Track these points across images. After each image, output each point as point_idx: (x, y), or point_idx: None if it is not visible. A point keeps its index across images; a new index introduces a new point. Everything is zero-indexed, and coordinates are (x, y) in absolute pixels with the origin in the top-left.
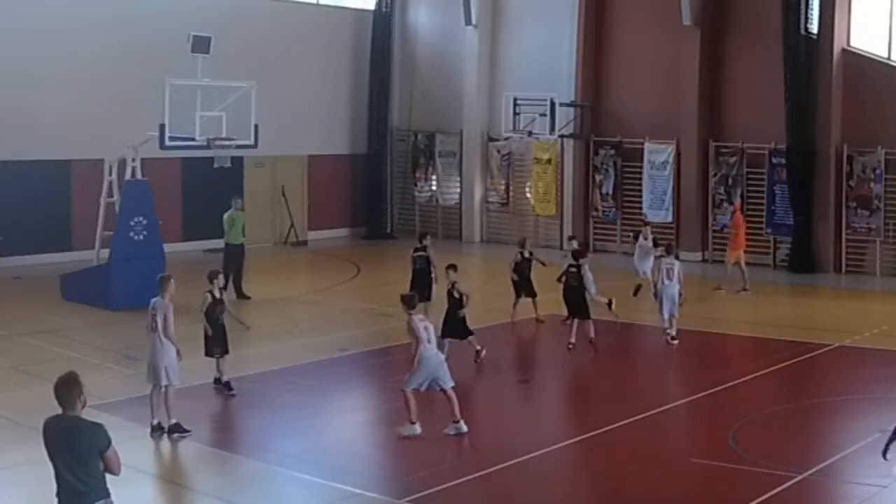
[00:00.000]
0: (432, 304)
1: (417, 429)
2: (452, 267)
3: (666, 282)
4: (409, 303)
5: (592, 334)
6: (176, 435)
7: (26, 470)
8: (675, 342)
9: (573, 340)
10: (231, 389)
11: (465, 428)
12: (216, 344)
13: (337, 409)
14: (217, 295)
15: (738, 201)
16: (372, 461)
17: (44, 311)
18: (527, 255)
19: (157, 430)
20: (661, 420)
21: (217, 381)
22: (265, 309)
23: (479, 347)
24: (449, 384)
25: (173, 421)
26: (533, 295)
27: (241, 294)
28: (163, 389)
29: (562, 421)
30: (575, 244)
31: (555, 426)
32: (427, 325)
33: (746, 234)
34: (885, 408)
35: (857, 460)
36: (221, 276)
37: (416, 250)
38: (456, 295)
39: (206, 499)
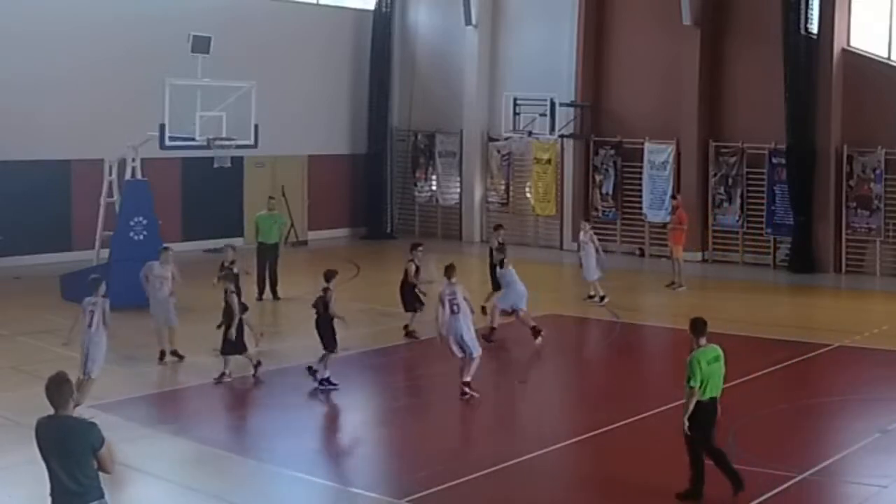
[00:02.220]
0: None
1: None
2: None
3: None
4: (91, 286)
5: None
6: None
7: (26, 470)
8: (606, 301)
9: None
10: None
11: None
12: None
13: (337, 409)
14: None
15: (679, 197)
16: (372, 461)
17: (44, 311)
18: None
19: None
20: (661, 420)
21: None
22: (265, 309)
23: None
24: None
25: None
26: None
27: (274, 293)
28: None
29: (561, 421)
30: (501, 234)
31: (554, 426)
32: (93, 309)
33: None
34: (885, 408)
35: (857, 460)
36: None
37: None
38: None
39: (206, 499)
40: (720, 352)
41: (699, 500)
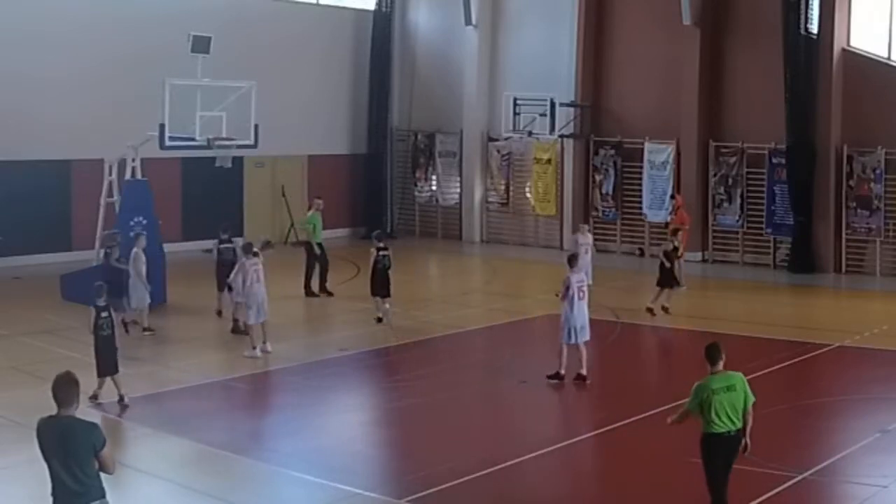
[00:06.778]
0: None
1: None
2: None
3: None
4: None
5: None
6: None
7: (26, 469)
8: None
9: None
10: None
11: None
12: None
13: (337, 409)
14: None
15: (679, 196)
16: (372, 461)
17: (44, 311)
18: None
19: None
20: (662, 420)
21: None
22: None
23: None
24: None
25: None
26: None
27: (323, 289)
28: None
29: (562, 421)
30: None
31: (555, 426)
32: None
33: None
34: (885, 408)
35: (857, 460)
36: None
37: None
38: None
39: (206, 499)
40: (737, 381)
41: None
